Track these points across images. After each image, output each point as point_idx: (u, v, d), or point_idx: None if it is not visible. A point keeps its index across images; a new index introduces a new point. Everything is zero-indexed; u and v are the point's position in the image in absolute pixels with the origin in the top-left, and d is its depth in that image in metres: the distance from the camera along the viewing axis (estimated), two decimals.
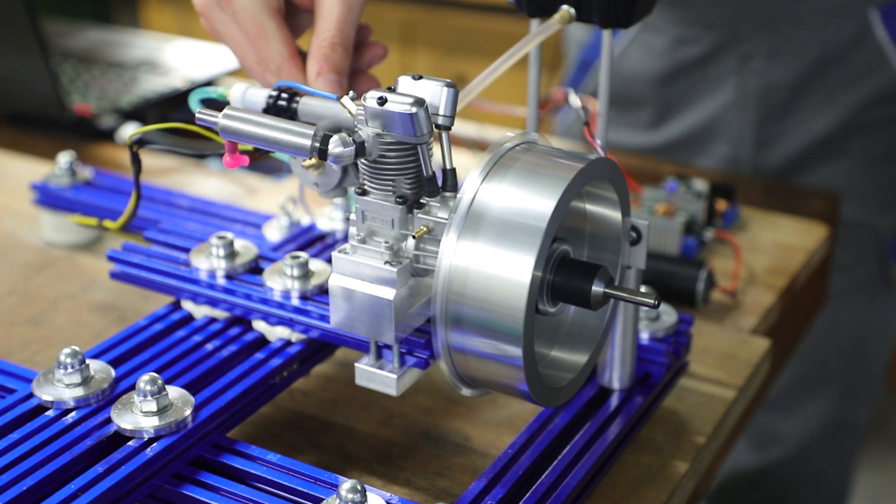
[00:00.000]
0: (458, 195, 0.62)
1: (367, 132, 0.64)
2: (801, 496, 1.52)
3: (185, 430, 0.68)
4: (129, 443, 0.67)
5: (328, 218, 0.91)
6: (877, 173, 1.37)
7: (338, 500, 0.62)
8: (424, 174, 0.65)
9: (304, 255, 0.80)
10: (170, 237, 0.87)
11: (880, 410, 2.46)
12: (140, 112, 1.35)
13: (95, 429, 0.68)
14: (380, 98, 0.62)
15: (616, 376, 0.77)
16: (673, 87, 1.38)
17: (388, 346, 0.69)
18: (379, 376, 0.69)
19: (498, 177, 0.63)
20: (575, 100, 0.76)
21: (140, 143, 0.80)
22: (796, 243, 1.09)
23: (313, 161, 0.65)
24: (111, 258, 0.85)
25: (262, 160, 0.76)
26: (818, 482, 1.52)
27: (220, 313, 0.81)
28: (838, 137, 1.35)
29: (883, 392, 1.59)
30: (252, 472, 0.68)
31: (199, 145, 1.16)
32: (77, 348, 0.72)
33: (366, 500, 0.62)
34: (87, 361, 0.72)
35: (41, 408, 0.70)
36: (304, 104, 0.71)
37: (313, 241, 0.89)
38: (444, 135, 0.64)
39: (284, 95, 0.71)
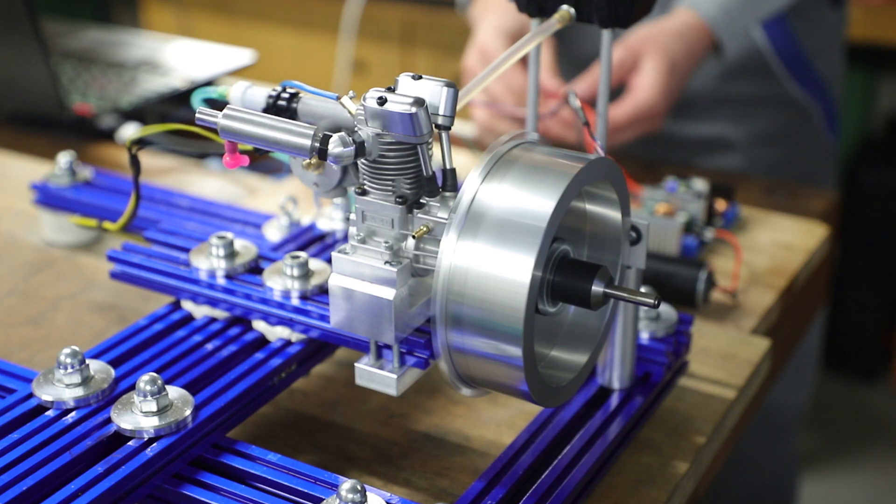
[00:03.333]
0: (458, 195, 0.62)
1: (366, 132, 0.64)
2: (741, 481, 1.53)
3: (185, 430, 0.68)
4: (129, 443, 0.67)
5: (328, 218, 0.91)
6: (757, 157, 1.42)
7: (338, 500, 0.62)
8: (424, 174, 0.65)
9: (303, 255, 0.80)
10: (170, 237, 0.87)
11: (880, 410, 2.46)
12: (140, 112, 1.34)
13: (95, 429, 0.68)
14: (379, 98, 0.62)
15: (616, 376, 0.77)
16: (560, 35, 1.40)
17: (388, 346, 0.69)
18: (379, 376, 0.69)
19: (498, 177, 0.63)
20: (575, 100, 0.76)
21: (140, 143, 0.80)
22: (796, 243, 1.09)
23: (313, 161, 0.65)
24: (111, 258, 0.85)
25: (262, 160, 0.76)
26: (756, 468, 1.53)
27: (220, 313, 0.81)
28: (713, 104, 1.39)
29: (817, 379, 1.62)
30: (252, 472, 0.68)
31: (199, 145, 1.16)
32: (77, 348, 0.72)
33: (366, 500, 0.62)
34: (87, 361, 0.72)
35: (41, 408, 0.70)
36: (304, 104, 0.71)
37: (313, 241, 0.89)
38: (443, 135, 0.64)
39: (285, 95, 0.71)
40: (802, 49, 1.39)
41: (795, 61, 1.39)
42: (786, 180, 1.41)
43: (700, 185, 1.08)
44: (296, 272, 0.79)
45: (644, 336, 0.80)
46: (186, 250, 0.85)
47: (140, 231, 0.92)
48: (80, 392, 0.70)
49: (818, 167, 1.49)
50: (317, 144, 0.64)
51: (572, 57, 1.45)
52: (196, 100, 0.76)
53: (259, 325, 0.79)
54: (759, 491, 1.58)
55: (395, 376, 0.69)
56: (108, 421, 0.69)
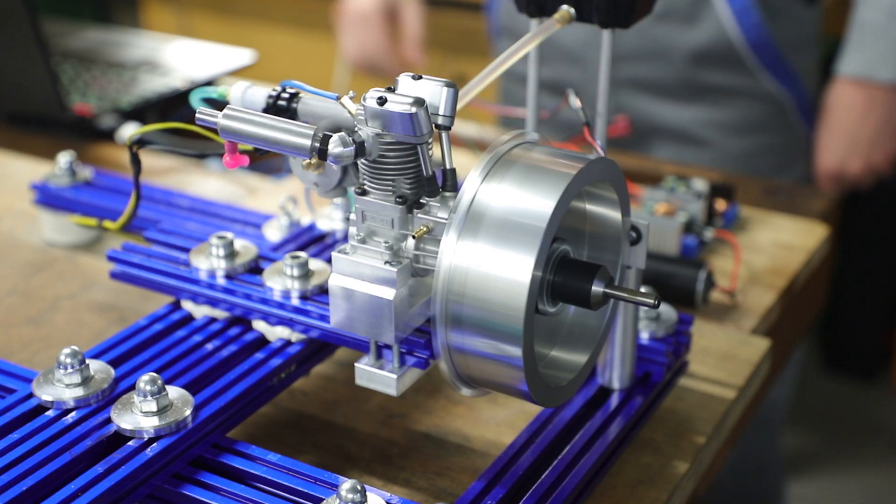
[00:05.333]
0: (458, 195, 0.62)
1: (366, 132, 0.64)
2: (724, 476, 1.54)
3: (185, 430, 0.68)
4: (129, 443, 0.67)
5: (328, 218, 0.91)
6: (733, 148, 1.47)
7: (338, 500, 0.62)
8: (424, 174, 0.65)
9: (303, 255, 0.80)
10: (170, 237, 0.87)
11: (880, 410, 2.46)
12: (140, 112, 1.34)
13: (95, 429, 0.68)
14: (380, 98, 0.62)
15: (616, 376, 0.77)
16: None
17: (388, 346, 0.69)
18: (379, 376, 0.69)
19: (498, 177, 0.63)
20: (575, 100, 0.76)
21: (140, 143, 0.80)
22: (796, 243, 1.09)
23: (313, 161, 0.65)
24: (111, 258, 0.85)
25: (262, 160, 0.76)
26: (738, 462, 1.54)
27: (220, 313, 0.81)
28: (685, 96, 1.44)
29: (797, 373, 1.65)
30: (252, 472, 0.68)
31: (199, 145, 1.16)
32: (77, 348, 0.72)
33: (366, 500, 0.62)
34: (87, 361, 0.72)
35: (41, 408, 0.70)
36: (304, 104, 0.71)
37: (313, 241, 0.89)
38: (443, 135, 0.64)
39: (285, 95, 0.71)
40: (774, 42, 1.42)
41: (767, 53, 1.42)
42: (760, 170, 1.46)
43: (700, 185, 1.08)
44: (296, 272, 0.79)
45: (644, 336, 0.80)
46: (186, 250, 0.85)
47: (140, 231, 0.92)
48: (80, 392, 0.70)
49: (792, 157, 1.53)
50: (317, 144, 0.64)
51: (563, 51, 1.46)
52: (196, 100, 0.76)
53: (259, 325, 0.79)
54: (743, 485, 1.58)
55: (395, 376, 0.68)
56: (108, 421, 0.68)
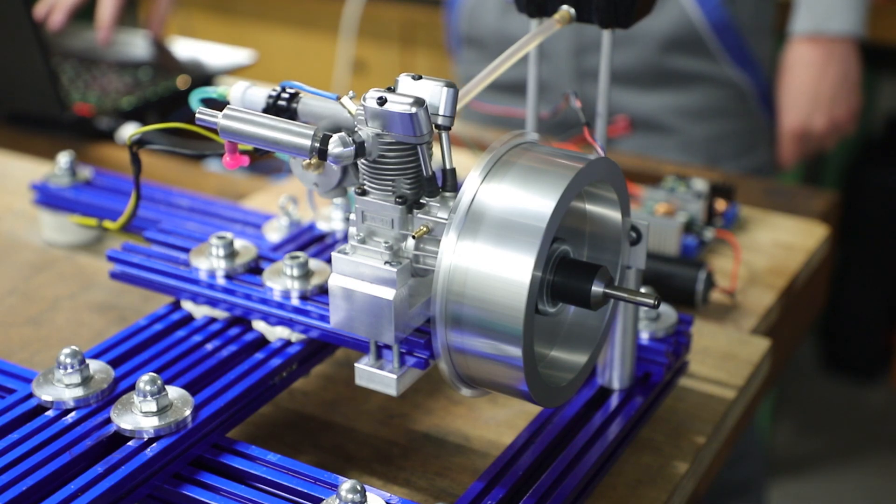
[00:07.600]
0: (458, 195, 0.62)
1: (366, 132, 0.64)
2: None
3: (184, 430, 0.68)
4: (129, 443, 0.67)
5: (328, 218, 0.91)
6: (696, 134, 1.48)
7: (338, 500, 0.62)
8: (424, 174, 0.65)
9: (303, 255, 0.80)
10: (170, 237, 0.87)
11: (880, 410, 2.46)
12: (140, 112, 1.34)
13: (95, 429, 0.68)
14: (380, 98, 0.62)
15: (616, 376, 0.77)
16: (510, 17, 1.47)
17: (388, 346, 0.69)
18: (379, 376, 0.69)
19: (498, 177, 0.63)
20: (574, 101, 0.76)
21: (140, 143, 0.80)
22: (796, 243, 1.09)
23: (313, 161, 0.65)
24: (111, 258, 0.85)
25: (262, 160, 0.76)
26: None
27: (219, 313, 0.81)
28: (650, 83, 1.45)
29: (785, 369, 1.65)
30: (252, 472, 0.68)
31: (199, 145, 1.16)
32: (77, 348, 0.72)
33: (366, 500, 0.62)
34: (87, 361, 0.72)
35: (41, 408, 0.70)
36: (305, 104, 0.71)
37: (313, 241, 0.89)
38: (443, 135, 0.64)
39: (285, 95, 0.71)
40: (735, 26, 1.44)
41: (728, 37, 1.43)
42: (723, 156, 1.47)
43: (700, 185, 1.08)
44: (296, 272, 0.79)
45: (644, 336, 0.80)
46: (186, 250, 0.85)
47: (140, 231, 0.92)
48: (80, 392, 0.70)
49: (754, 143, 1.53)
50: (317, 144, 0.64)
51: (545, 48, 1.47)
52: (195, 100, 0.76)
53: (259, 326, 0.79)
54: (723, 475, 1.57)
55: (395, 376, 0.68)
56: (108, 421, 0.69)
